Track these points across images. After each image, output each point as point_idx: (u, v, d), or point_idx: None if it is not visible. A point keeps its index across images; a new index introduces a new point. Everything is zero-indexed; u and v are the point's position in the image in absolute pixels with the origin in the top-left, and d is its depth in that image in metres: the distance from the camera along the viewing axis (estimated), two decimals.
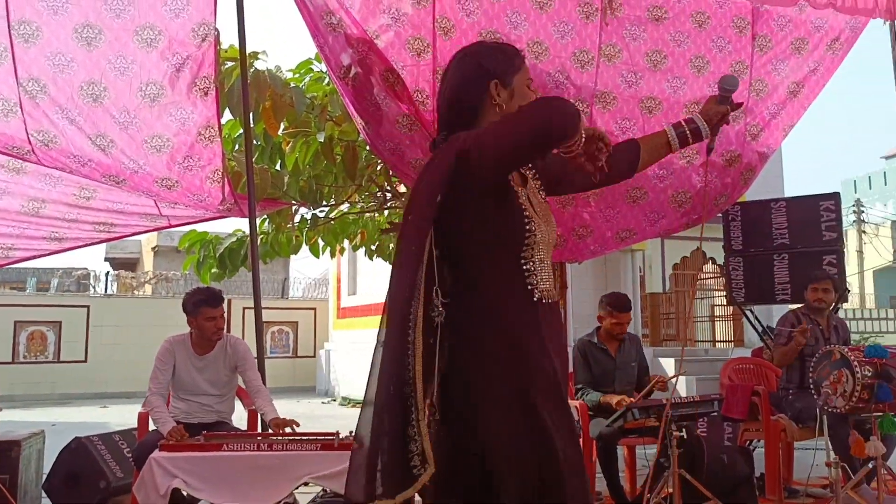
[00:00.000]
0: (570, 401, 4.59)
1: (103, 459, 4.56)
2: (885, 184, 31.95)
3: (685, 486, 3.80)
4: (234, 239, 6.27)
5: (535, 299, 1.96)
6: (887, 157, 32.51)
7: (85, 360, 15.03)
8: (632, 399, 4.30)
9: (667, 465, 3.95)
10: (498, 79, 2.06)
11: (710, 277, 13.27)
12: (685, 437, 3.81)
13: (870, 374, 3.85)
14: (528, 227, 1.98)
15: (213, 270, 6.35)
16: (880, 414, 3.93)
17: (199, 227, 6.15)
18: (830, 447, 4.14)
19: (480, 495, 1.83)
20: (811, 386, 4.17)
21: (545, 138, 1.86)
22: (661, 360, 10.28)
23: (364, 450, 1.88)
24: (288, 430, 3.62)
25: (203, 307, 3.89)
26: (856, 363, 3.87)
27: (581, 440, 4.44)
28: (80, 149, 4.15)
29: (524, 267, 1.96)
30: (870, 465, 4.09)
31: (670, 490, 3.80)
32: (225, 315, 4.00)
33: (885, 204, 30.98)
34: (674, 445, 3.73)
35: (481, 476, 1.83)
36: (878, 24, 5.39)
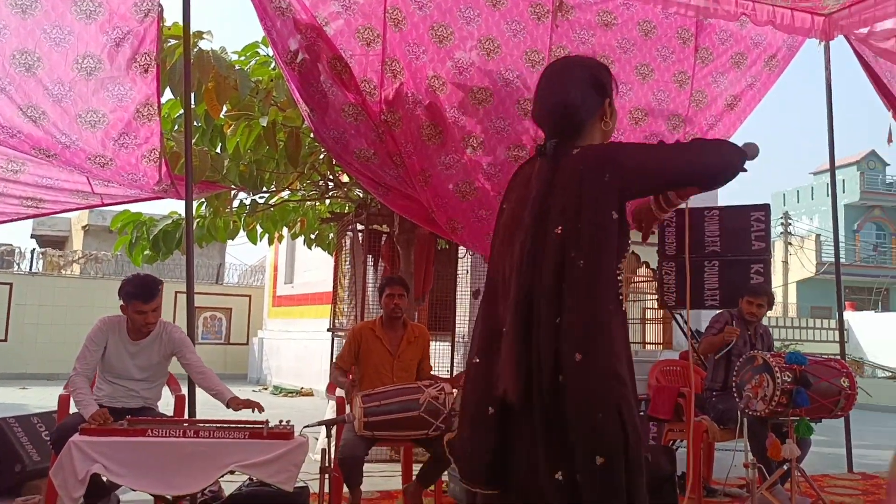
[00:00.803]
0: None
1: (19, 442, 4.39)
2: (812, 198, 33.21)
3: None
4: (169, 221, 6.11)
5: (622, 308, 1.99)
6: (815, 173, 33.80)
7: (5, 340, 14.45)
8: None
9: None
10: (609, 98, 2.12)
11: (644, 281, 13.58)
12: None
13: (789, 380, 4.00)
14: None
15: (146, 253, 6.18)
16: (797, 418, 4.09)
17: (133, 208, 5.99)
18: (749, 449, 4.29)
19: None
20: (734, 388, 4.32)
21: (718, 180, 2.05)
22: None
23: None
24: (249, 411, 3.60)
25: (134, 301, 3.77)
26: (776, 368, 4.01)
27: None
28: (9, 119, 3.99)
29: (619, 277, 1.99)
30: (784, 467, 4.25)
31: None
32: (159, 308, 3.86)
33: (811, 218, 32.23)
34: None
35: None
36: (814, 45, 5.60)
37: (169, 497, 3.43)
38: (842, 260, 6.77)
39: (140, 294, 3.77)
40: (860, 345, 15.65)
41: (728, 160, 2.03)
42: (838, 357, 5.30)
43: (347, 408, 4.17)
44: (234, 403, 3.66)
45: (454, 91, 4.58)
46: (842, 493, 5.13)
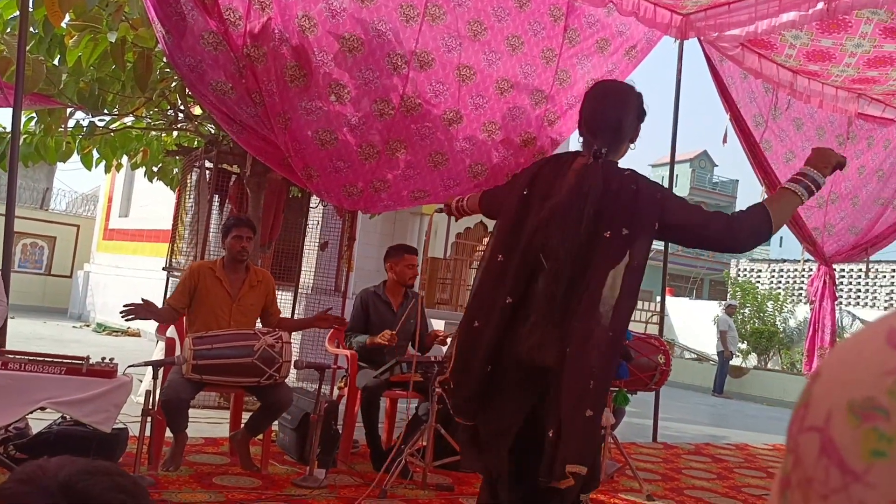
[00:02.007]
0: (340, 350, 4.63)
1: None
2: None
3: (439, 440, 3.98)
4: None
5: None
6: (654, 165, 36.09)
7: None
8: (393, 332, 4.45)
9: (425, 419, 4.12)
10: (641, 124, 2.60)
11: None
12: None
13: None
14: None
15: None
16: (616, 389, 4.37)
17: None
18: None
19: None
20: None
21: (736, 250, 2.60)
22: (433, 320, 10.68)
23: None
24: None
25: None
26: None
27: (348, 388, 4.50)
28: None
29: None
30: None
31: (424, 443, 3.97)
32: None
33: None
34: (434, 401, 3.89)
35: None
36: (670, 42, 5.92)
37: None
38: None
39: None
40: (673, 328, 17.02)
41: (754, 236, 2.45)
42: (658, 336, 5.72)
43: (178, 349, 3.99)
44: None
45: (324, 35, 4.42)
46: (646, 460, 5.57)
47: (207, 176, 6.30)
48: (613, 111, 2.51)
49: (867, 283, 17.08)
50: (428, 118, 4.82)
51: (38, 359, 3.02)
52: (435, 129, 4.87)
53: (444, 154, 4.91)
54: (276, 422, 4.16)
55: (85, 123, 6.06)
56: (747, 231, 2.43)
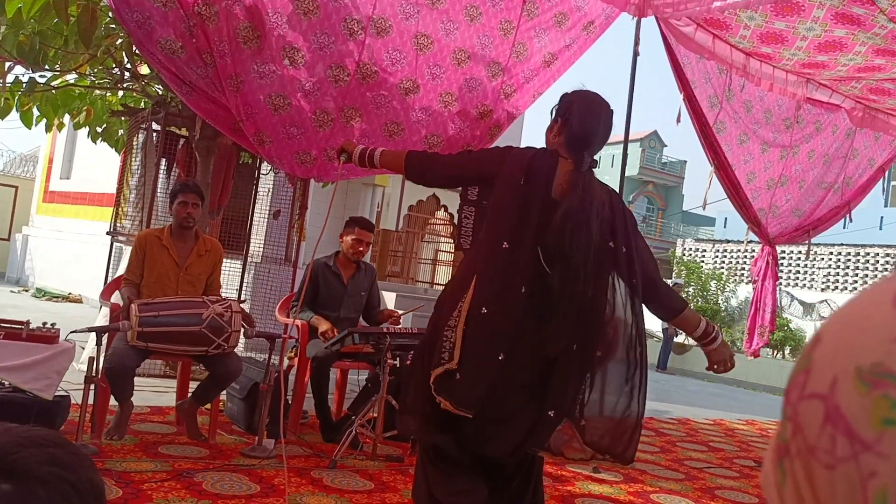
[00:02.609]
0: (290, 319, 4.58)
1: None
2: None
3: (388, 411, 3.98)
4: None
5: None
6: (607, 144, 36.49)
7: None
8: (335, 333, 4.32)
9: (375, 390, 4.11)
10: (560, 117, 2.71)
11: (440, 224, 13.97)
12: (398, 365, 3.98)
13: None
14: None
15: None
16: None
17: None
18: None
19: None
20: None
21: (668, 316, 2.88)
22: (385, 293, 10.64)
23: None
24: None
25: None
26: None
27: (298, 359, 4.45)
28: None
29: None
30: None
31: (375, 414, 3.95)
32: None
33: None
34: (386, 372, 3.88)
35: None
36: (627, 19, 5.93)
37: None
38: None
39: None
40: None
41: (674, 307, 2.77)
42: None
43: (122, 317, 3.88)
44: None
45: None
46: None
47: (154, 138, 6.11)
48: (606, 128, 2.73)
49: (806, 265, 17.63)
50: (384, 86, 4.75)
51: None
52: (391, 98, 4.79)
53: (399, 124, 4.84)
54: (224, 391, 4.09)
55: (25, 79, 5.79)
56: (674, 298, 2.76)
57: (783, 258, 17.60)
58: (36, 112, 6.22)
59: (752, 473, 4.98)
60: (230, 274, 6.26)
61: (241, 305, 4.13)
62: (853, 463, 0.35)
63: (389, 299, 10.40)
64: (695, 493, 4.20)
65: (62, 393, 3.45)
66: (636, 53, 6.58)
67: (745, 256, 18.54)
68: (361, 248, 4.76)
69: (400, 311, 5.01)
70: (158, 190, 6.03)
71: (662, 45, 6.23)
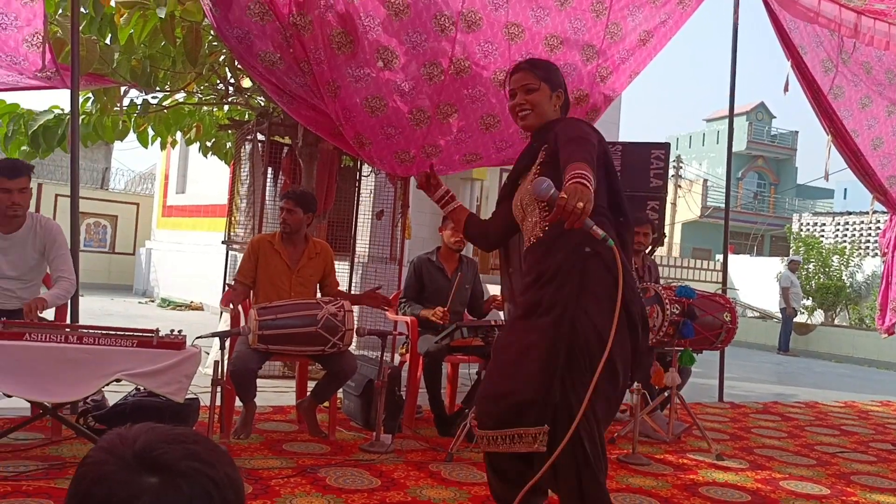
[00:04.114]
0: (400, 316, 4.64)
1: None
2: (703, 144, 34.55)
3: None
4: (50, 116, 5.64)
5: None
6: (709, 120, 35.11)
7: None
8: (445, 310, 4.43)
9: None
10: None
11: None
12: None
13: (677, 312, 4.18)
14: None
15: (24, 148, 5.71)
16: (681, 348, 4.29)
17: (10, 98, 5.49)
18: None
19: None
20: None
21: None
22: (488, 286, 10.66)
23: None
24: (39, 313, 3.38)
25: None
26: (667, 300, 4.17)
27: (409, 355, 4.52)
28: None
29: None
30: (665, 394, 4.48)
31: None
32: (27, 191, 3.55)
33: (700, 163, 33.61)
34: None
35: None
36: None
37: (48, 405, 3.25)
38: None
39: (3, 169, 3.45)
40: (734, 285, 16.66)
41: None
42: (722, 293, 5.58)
43: (242, 320, 4.05)
44: (25, 306, 3.40)
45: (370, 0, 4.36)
46: (712, 420, 5.48)
47: (260, 148, 6.34)
48: None
49: None
50: (479, 80, 4.74)
51: (111, 333, 3.09)
52: (486, 93, 4.78)
53: (495, 116, 4.83)
54: (340, 389, 4.20)
55: (139, 102, 6.14)
56: None
57: None
58: (150, 132, 6.58)
59: (891, 457, 4.68)
60: (339, 275, 6.41)
61: (377, 291, 4.26)
62: None
63: (494, 291, 10.41)
64: (828, 479, 3.98)
65: (192, 396, 3.64)
66: (736, 23, 6.31)
67: (871, 228, 17.42)
68: (461, 238, 4.78)
69: (500, 296, 5.01)
70: (267, 198, 6.26)
71: (765, 12, 5.94)
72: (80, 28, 4.38)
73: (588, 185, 2.03)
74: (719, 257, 16.96)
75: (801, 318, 14.18)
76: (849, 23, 5.78)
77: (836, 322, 14.88)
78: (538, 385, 2.23)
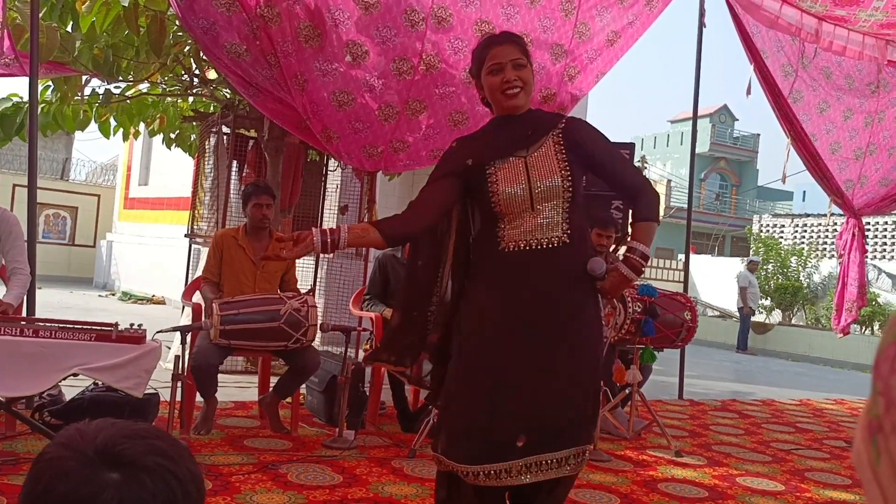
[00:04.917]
0: (365, 312, 4.63)
1: None
2: (667, 145, 34.97)
3: None
4: (8, 104, 5.51)
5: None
6: (673, 121, 35.54)
7: None
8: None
9: None
10: (476, 78, 2.40)
11: None
12: None
13: (639, 310, 4.23)
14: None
15: None
16: (642, 346, 4.35)
17: None
18: None
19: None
20: None
21: None
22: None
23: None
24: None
25: None
26: (629, 299, 4.22)
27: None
28: None
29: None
30: (626, 391, 4.54)
31: None
32: None
33: (664, 164, 34.02)
34: None
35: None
36: None
37: (2, 399, 3.18)
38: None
39: None
40: (696, 285, 16.90)
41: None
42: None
43: (204, 315, 4.01)
44: None
45: None
46: (672, 417, 5.57)
47: (225, 141, 6.27)
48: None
49: (893, 236, 16.83)
50: (449, 79, 4.73)
51: (69, 326, 3.03)
52: (457, 90, 4.78)
53: (464, 113, 4.83)
54: (303, 385, 4.18)
55: (101, 91, 6.02)
56: None
57: (868, 229, 16.85)
58: (113, 122, 6.46)
59: (844, 454, 4.80)
60: (304, 270, 6.37)
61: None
62: None
63: None
64: (783, 476, 4.07)
65: (151, 391, 3.59)
66: (702, 26, 6.40)
67: (828, 230, 17.82)
68: None
69: None
70: (231, 191, 6.19)
71: (729, 16, 6.03)
72: (41, 15, 4.29)
73: (635, 278, 2.31)
74: (681, 257, 17.20)
75: (759, 318, 14.45)
76: (810, 28, 5.89)
77: (793, 322, 15.20)
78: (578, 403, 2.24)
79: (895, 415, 0.37)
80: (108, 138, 6.69)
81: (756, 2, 5.70)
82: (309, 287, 6.43)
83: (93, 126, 6.35)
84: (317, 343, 4.39)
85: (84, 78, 5.49)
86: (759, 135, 35.65)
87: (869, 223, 16.40)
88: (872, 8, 5.46)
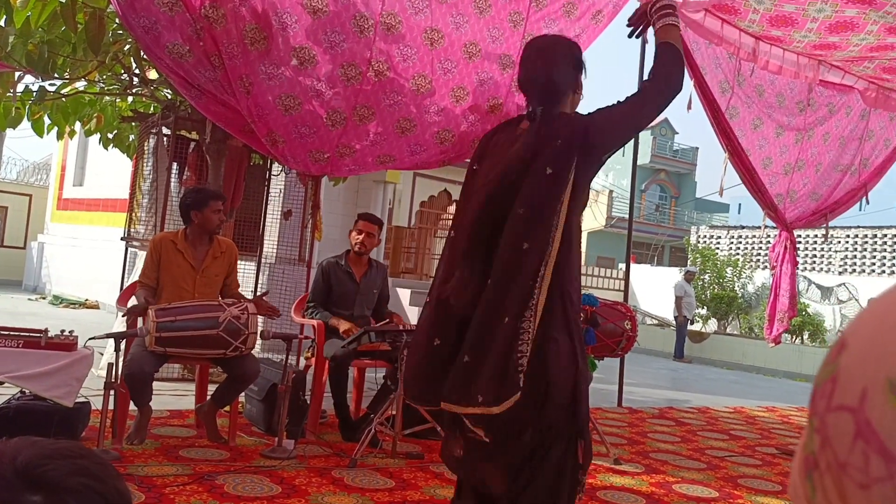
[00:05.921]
0: (307, 319, 4.57)
1: None
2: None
3: (407, 409, 3.97)
4: None
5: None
6: None
7: None
8: (356, 330, 4.32)
9: (393, 388, 4.10)
10: (582, 73, 2.55)
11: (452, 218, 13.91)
12: None
13: (581, 320, 4.28)
14: None
15: None
16: None
17: None
18: None
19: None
20: None
21: (677, 85, 2.68)
22: (398, 290, 10.65)
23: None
24: None
25: None
26: None
27: (315, 359, 4.45)
28: None
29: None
30: None
31: (393, 412, 3.95)
32: None
33: (606, 175, 34.67)
34: (402, 370, 3.87)
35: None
36: (635, 7, 5.87)
37: None
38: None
39: None
40: (635, 294, 17.23)
41: (676, 74, 2.65)
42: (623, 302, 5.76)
43: (140, 322, 3.89)
44: None
45: None
46: (611, 425, 5.65)
47: (165, 143, 6.12)
48: (541, 69, 2.44)
49: (823, 249, 17.48)
50: (397, 86, 4.72)
51: None
52: (405, 98, 4.77)
53: (412, 121, 4.82)
54: (242, 393, 4.10)
55: (35, 88, 5.82)
56: (668, 76, 2.63)
57: (800, 242, 17.46)
58: (47, 120, 6.25)
59: (775, 461, 4.94)
60: (245, 275, 6.26)
61: (264, 298, 4.14)
62: (889, 483, 0.33)
63: (404, 296, 10.40)
64: (717, 483, 4.17)
65: (82, 400, 3.47)
66: (645, 41, 6.54)
67: (762, 242, 18.39)
68: (363, 239, 4.76)
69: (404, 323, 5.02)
70: (171, 194, 6.05)
71: None
72: None
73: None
74: (622, 266, 17.52)
75: (696, 327, 14.81)
76: (747, 47, 6.08)
77: (728, 331, 15.62)
78: None
79: (830, 454, 0.37)
80: (42, 137, 6.47)
81: (697, 20, 5.86)
82: (251, 292, 6.32)
83: (25, 124, 6.14)
84: (257, 350, 4.32)
85: (17, 74, 5.29)
86: (697, 148, 36.67)
87: (800, 236, 17.01)
88: (806, 29, 5.66)
